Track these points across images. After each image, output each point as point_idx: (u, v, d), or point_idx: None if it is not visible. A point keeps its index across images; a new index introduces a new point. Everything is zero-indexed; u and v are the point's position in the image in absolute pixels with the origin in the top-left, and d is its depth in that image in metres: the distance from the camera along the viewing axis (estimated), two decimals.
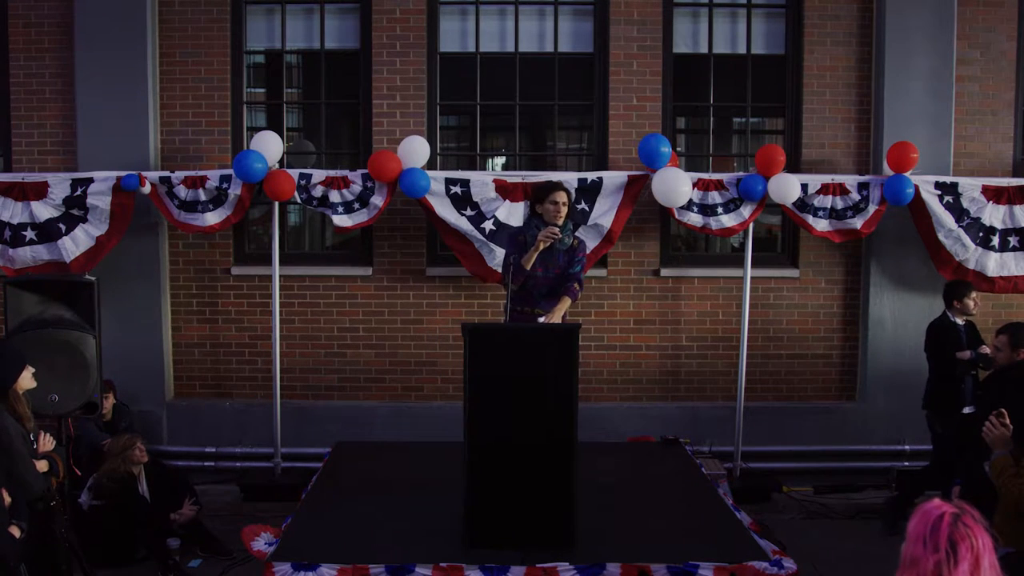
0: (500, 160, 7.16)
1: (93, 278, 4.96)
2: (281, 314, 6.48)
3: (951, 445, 5.58)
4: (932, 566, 1.99)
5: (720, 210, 6.28)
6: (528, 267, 4.76)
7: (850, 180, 6.31)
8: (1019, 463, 3.75)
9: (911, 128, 6.43)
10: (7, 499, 3.69)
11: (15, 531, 3.62)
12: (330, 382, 6.84)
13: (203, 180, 6.18)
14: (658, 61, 6.69)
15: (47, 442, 4.12)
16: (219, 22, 6.65)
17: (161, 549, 5.10)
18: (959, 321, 5.81)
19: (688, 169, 6.77)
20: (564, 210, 4.85)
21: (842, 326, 6.88)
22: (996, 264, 6.37)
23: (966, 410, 5.64)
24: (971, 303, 5.77)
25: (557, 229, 4.76)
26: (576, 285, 4.96)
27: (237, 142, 6.71)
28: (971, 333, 5.82)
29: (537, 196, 5.00)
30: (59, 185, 6.12)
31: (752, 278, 6.48)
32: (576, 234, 5.11)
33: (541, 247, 4.76)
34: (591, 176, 6.27)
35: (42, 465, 3.98)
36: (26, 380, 4.00)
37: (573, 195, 5.11)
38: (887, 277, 6.68)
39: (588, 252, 6.18)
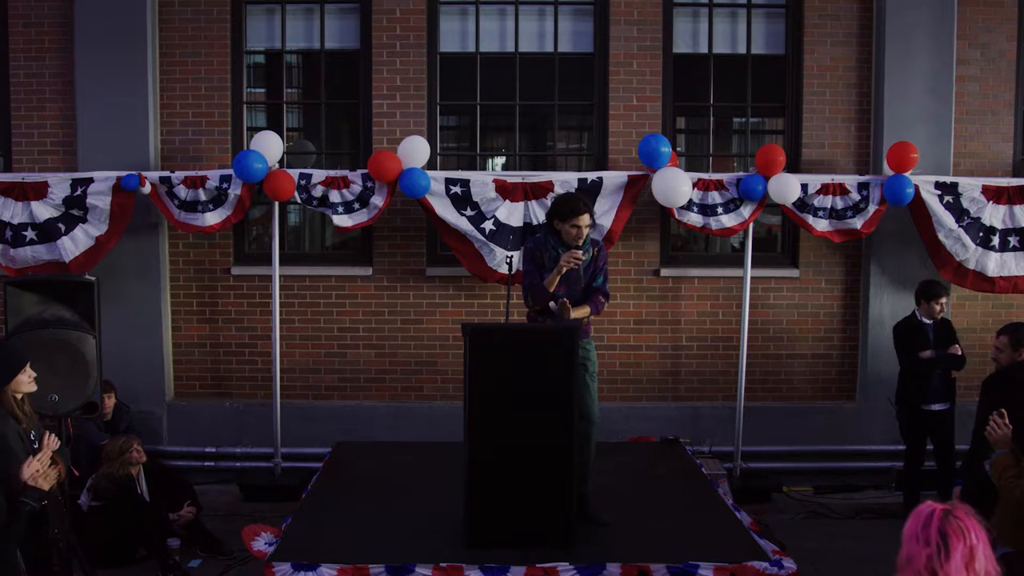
0: (500, 160, 7.16)
1: (93, 278, 4.95)
2: (281, 314, 6.48)
3: (911, 438, 5.90)
4: (925, 560, 1.99)
5: (720, 210, 6.28)
6: (552, 290, 4.55)
7: (850, 180, 6.31)
8: (1020, 463, 3.74)
9: (911, 128, 6.43)
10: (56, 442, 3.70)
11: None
12: (330, 382, 6.84)
13: (203, 180, 6.18)
14: (658, 61, 6.69)
15: (52, 442, 4.11)
16: (219, 22, 6.64)
17: (161, 549, 5.10)
18: (927, 320, 5.84)
19: (688, 169, 6.77)
20: (586, 232, 4.62)
21: (842, 326, 6.88)
22: (996, 264, 6.36)
23: (936, 407, 5.80)
24: (937, 307, 5.82)
25: (581, 253, 4.53)
26: (601, 298, 4.72)
27: (237, 142, 6.71)
28: (943, 332, 5.84)
29: (558, 213, 4.63)
30: (59, 185, 6.12)
31: (752, 278, 6.48)
32: (593, 237, 4.82)
33: (564, 270, 4.52)
34: (591, 176, 6.27)
35: None
36: (23, 383, 3.98)
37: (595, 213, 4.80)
38: (887, 277, 6.68)
39: None
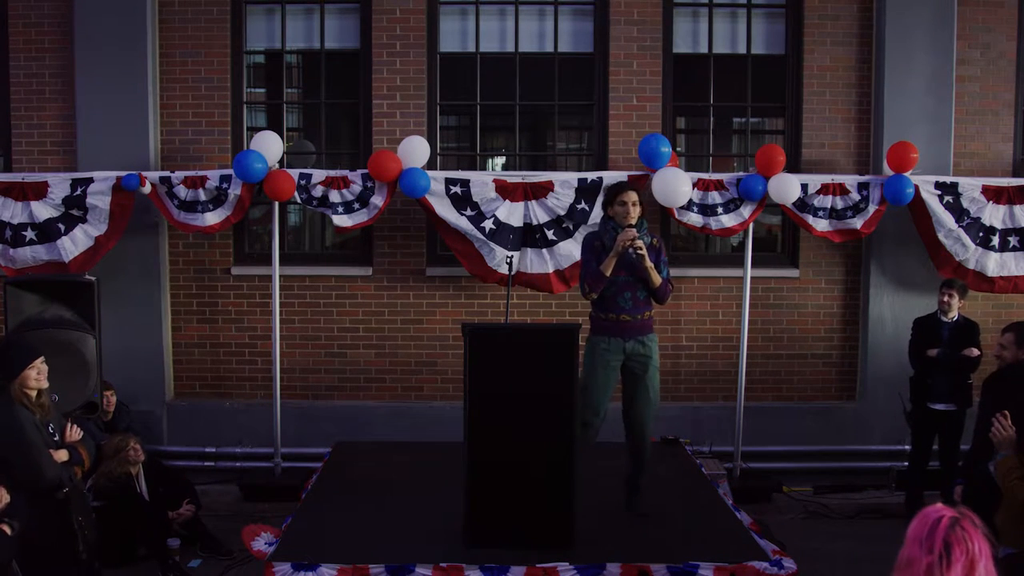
0: (500, 160, 7.16)
1: (93, 278, 4.95)
2: (281, 314, 6.48)
3: (917, 436, 5.97)
4: (924, 567, 1.98)
5: (720, 210, 6.28)
6: (608, 273, 4.54)
7: (850, 180, 6.31)
8: None
9: (911, 128, 6.43)
10: (6, 498, 3.70)
11: (7, 529, 3.63)
12: (330, 382, 6.84)
13: (203, 180, 6.18)
14: (658, 61, 6.69)
15: (74, 433, 4.13)
16: (219, 22, 6.65)
17: (161, 549, 5.10)
18: (944, 319, 5.83)
19: (688, 169, 6.78)
20: (635, 210, 4.58)
21: (842, 326, 6.88)
22: (996, 264, 6.36)
23: (939, 406, 5.83)
24: (944, 297, 5.86)
25: (635, 231, 4.50)
26: (669, 286, 4.72)
27: (237, 142, 6.71)
28: (961, 333, 5.82)
29: (607, 198, 4.74)
30: (59, 185, 6.12)
31: (752, 278, 6.48)
32: (653, 232, 4.82)
33: (620, 250, 4.49)
34: (591, 176, 6.27)
35: (61, 455, 3.98)
36: (30, 378, 3.99)
37: (639, 195, 4.70)
38: (887, 277, 6.68)
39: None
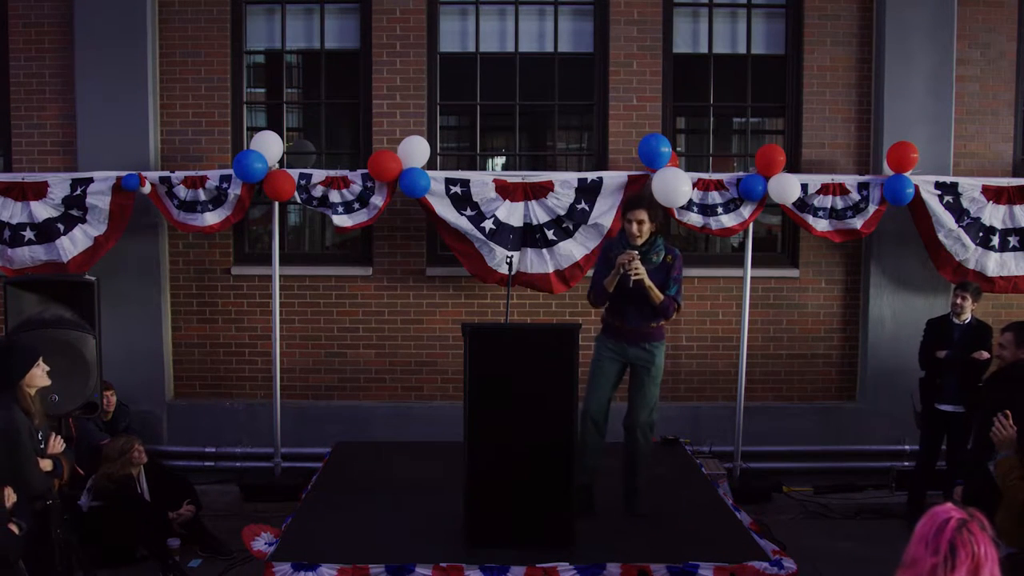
0: (500, 160, 7.16)
1: (93, 278, 4.95)
2: (281, 314, 6.48)
3: (924, 437, 5.93)
4: (928, 568, 1.98)
5: (720, 210, 6.28)
6: (610, 290, 4.60)
7: (850, 180, 6.31)
8: None
9: (911, 128, 6.43)
10: (12, 498, 3.70)
11: (14, 528, 3.63)
12: (330, 382, 6.84)
13: (203, 180, 6.18)
14: (658, 61, 6.69)
15: (57, 444, 4.12)
16: (219, 22, 6.64)
17: (161, 549, 5.10)
18: (956, 320, 5.83)
19: (688, 169, 6.78)
20: (643, 228, 4.59)
21: (842, 326, 6.88)
22: (996, 264, 6.36)
23: (947, 407, 5.78)
24: (957, 299, 5.83)
25: (634, 253, 4.51)
26: (673, 304, 4.70)
27: (237, 142, 6.71)
28: (973, 335, 5.80)
29: (623, 212, 4.78)
30: (59, 185, 6.12)
31: (752, 278, 6.48)
32: (673, 248, 4.79)
33: (622, 271, 4.53)
34: (591, 176, 6.27)
35: (46, 464, 3.99)
36: (36, 377, 4.00)
37: (652, 212, 4.72)
38: (887, 277, 6.68)
39: (591, 252, 6.21)
